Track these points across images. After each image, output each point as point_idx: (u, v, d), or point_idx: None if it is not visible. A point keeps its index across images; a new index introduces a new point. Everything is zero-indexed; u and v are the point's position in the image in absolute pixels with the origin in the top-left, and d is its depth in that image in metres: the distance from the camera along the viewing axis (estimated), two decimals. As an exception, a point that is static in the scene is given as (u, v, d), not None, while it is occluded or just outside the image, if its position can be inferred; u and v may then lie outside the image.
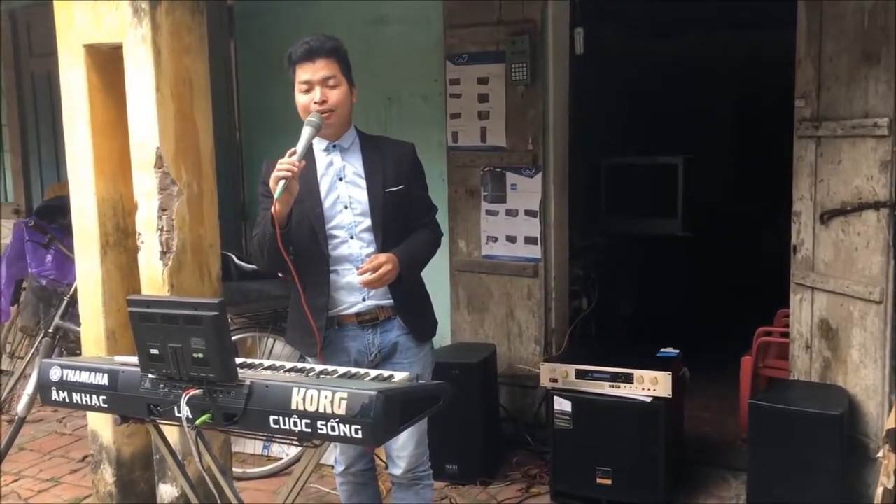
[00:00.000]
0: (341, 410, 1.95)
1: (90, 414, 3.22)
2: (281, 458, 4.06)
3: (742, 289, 5.94)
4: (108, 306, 3.13)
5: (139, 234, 2.97)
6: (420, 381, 2.21)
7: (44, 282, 4.63)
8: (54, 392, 2.30)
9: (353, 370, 2.32)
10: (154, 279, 2.94)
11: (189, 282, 2.99)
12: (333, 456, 2.95)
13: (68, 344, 4.55)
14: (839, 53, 3.24)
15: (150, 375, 2.17)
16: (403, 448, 2.74)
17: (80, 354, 4.96)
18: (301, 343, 2.76)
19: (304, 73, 2.58)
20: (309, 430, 1.99)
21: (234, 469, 3.77)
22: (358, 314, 2.70)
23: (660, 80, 6.80)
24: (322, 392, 1.98)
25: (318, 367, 2.32)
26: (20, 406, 3.92)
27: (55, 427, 4.83)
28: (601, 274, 4.82)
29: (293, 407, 2.00)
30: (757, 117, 6.79)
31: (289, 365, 2.39)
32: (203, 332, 2.02)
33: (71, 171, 3.11)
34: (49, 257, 4.72)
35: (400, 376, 2.25)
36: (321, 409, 1.97)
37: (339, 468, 2.89)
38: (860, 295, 3.19)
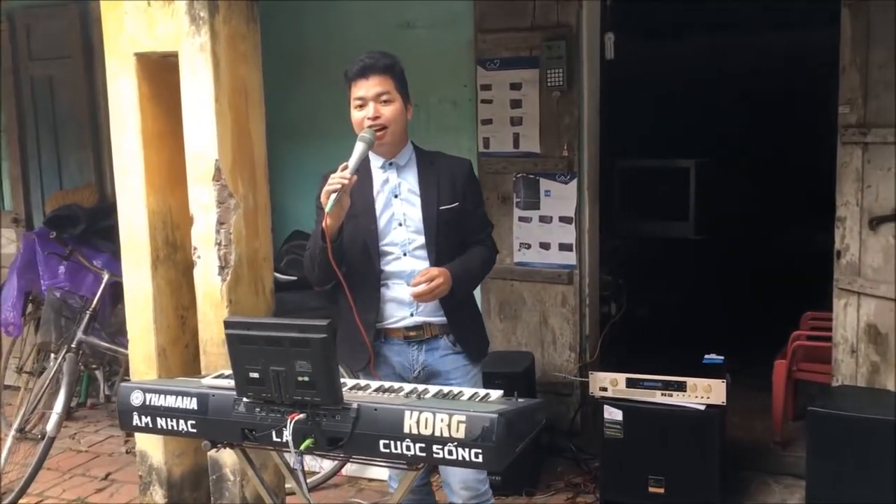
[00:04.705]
0: (460, 434, 1.90)
1: (139, 435, 3.11)
2: (317, 472, 3.98)
3: (757, 292, 5.96)
4: (159, 322, 3.02)
5: (195, 248, 2.87)
6: (520, 400, 2.16)
7: (58, 294, 4.46)
8: (136, 417, 2.22)
9: (446, 389, 2.26)
10: (212, 294, 2.85)
11: (246, 297, 2.92)
12: (388, 472, 2.88)
13: (87, 359, 4.41)
14: (889, 60, 3.26)
15: (244, 399, 2.09)
16: (462, 474, 2.66)
17: (96, 369, 4.85)
18: (350, 357, 2.72)
19: (359, 89, 2.58)
20: (423, 454, 1.93)
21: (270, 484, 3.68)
22: (405, 329, 2.67)
23: (673, 83, 6.82)
24: (437, 415, 1.92)
25: (408, 387, 2.26)
26: (49, 425, 3.75)
27: (68, 444, 4.66)
28: (626, 278, 4.81)
29: (406, 430, 1.94)
30: (772, 121, 6.82)
31: (374, 384, 2.33)
32: (310, 354, 1.96)
33: (119, 183, 3.00)
34: (62, 268, 4.56)
35: (496, 395, 2.21)
36: (437, 433, 1.92)
37: (395, 484, 2.82)
38: (912, 301, 3.22)
